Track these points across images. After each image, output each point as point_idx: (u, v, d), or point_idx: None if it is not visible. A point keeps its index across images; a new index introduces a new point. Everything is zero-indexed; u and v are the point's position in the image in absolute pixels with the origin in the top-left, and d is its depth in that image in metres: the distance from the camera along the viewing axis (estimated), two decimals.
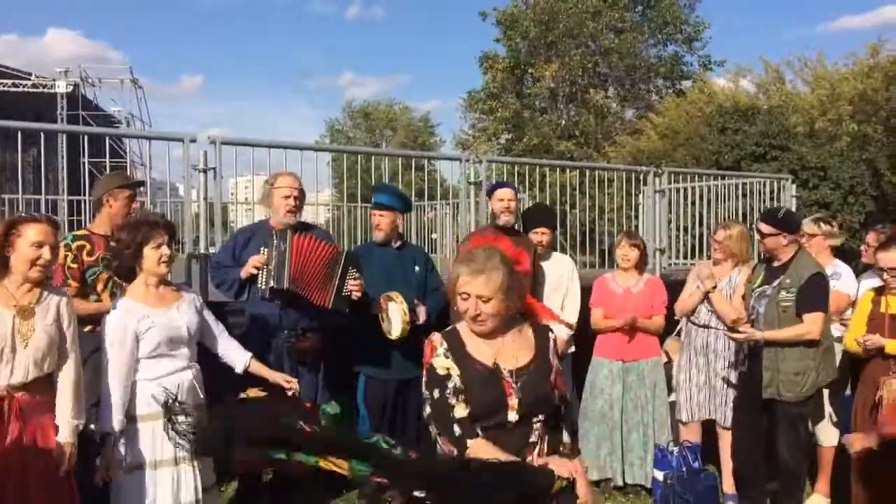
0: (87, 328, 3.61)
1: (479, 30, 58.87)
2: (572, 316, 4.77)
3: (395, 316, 4.12)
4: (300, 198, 4.12)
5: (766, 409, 4.02)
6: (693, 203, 8.18)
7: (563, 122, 26.44)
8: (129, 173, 5.72)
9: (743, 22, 63.10)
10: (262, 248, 3.86)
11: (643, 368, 4.72)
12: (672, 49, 27.22)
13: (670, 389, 4.84)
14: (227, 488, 4.42)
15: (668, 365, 4.93)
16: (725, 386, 4.52)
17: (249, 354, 3.42)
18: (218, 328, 3.41)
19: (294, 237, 3.84)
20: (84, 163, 9.17)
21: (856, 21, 47.93)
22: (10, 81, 23.60)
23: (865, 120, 16.44)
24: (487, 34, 40.70)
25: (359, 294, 3.95)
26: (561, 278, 4.82)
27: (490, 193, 4.93)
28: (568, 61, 25.46)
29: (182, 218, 5.26)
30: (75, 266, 3.65)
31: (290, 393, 3.40)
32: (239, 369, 3.39)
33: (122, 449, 2.99)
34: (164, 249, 3.09)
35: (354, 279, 3.92)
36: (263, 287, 3.82)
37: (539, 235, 4.82)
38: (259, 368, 3.43)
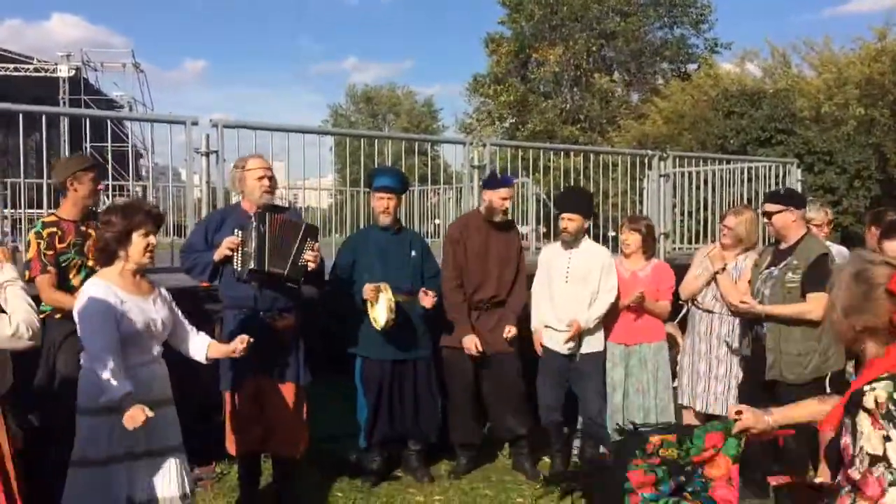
0: (60, 314, 3.63)
1: (484, 14, 58.51)
2: (596, 311, 4.55)
3: (383, 306, 4.16)
4: (273, 178, 4.10)
5: (770, 392, 4.01)
6: (698, 187, 8.14)
7: (568, 106, 26.29)
8: (129, 156, 5.68)
9: (750, 6, 62.47)
10: (235, 231, 3.83)
11: (645, 352, 4.70)
12: (678, 32, 27.02)
13: (675, 375, 4.82)
14: (230, 471, 4.44)
15: (676, 352, 4.90)
16: (728, 372, 4.51)
17: (206, 341, 3.23)
18: (187, 325, 3.25)
19: (272, 218, 3.86)
20: (86, 147, 9.16)
21: (864, 5, 47.37)
22: (11, 66, 23.55)
23: (872, 104, 16.33)
24: (492, 18, 40.43)
25: (314, 265, 3.94)
26: (591, 271, 4.56)
27: (490, 185, 4.75)
28: (573, 45, 25.28)
29: (184, 202, 5.25)
30: (50, 253, 3.62)
31: (242, 346, 3.21)
32: (201, 358, 3.23)
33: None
34: (152, 239, 2.99)
35: (312, 250, 3.92)
36: (240, 269, 3.81)
37: (564, 221, 4.62)
38: (216, 350, 3.24)
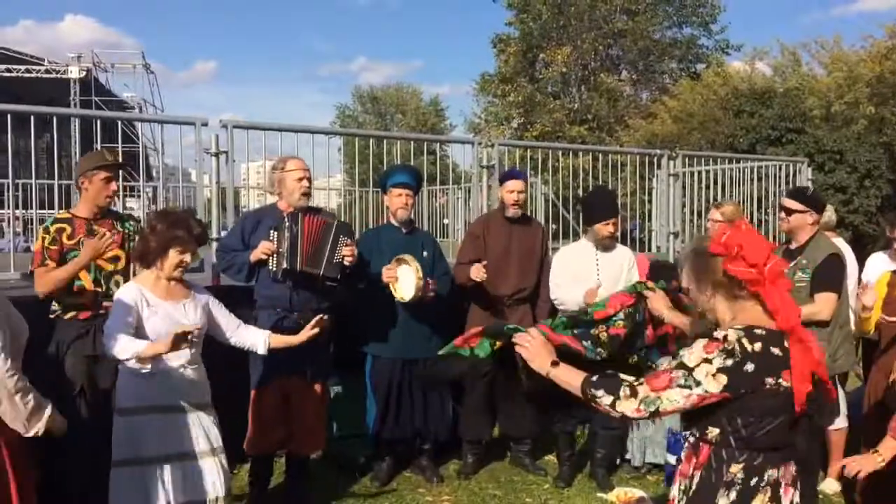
0: (70, 314, 3.66)
1: (494, 14, 58.52)
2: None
3: (409, 278, 4.14)
4: (310, 180, 4.16)
5: None
6: (707, 187, 8.11)
7: (576, 106, 26.23)
8: (139, 156, 5.70)
9: (760, 5, 62.09)
10: (271, 232, 3.87)
11: None
12: (688, 32, 26.90)
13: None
14: (240, 471, 4.45)
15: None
16: None
17: (267, 332, 3.42)
18: (233, 323, 3.37)
19: (305, 219, 3.88)
20: (97, 148, 9.20)
21: (874, 3, 46.95)
22: (23, 67, 23.68)
23: (882, 103, 16.21)
24: (501, 18, 40.35)
25: (351, 259, 3.97)
26: (622, 272, 4.55)
27: (500, 182, 4.89)
28: (580, 44, 25.23)
29: (194, 202, 5.27)
30: (54, 248, 3.65)
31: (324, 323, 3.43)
32: (262, 350, 3.39)
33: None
34: (187, 258, 3.10)
35: (346, 245, 3.95)
36: (275, 269, 3.86)
37: (609, 226, 4.51)
38: (280, 340, 3.42)
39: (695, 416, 2.05)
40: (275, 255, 3.86)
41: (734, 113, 15.92)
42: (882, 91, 16.33)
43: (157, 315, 3.01)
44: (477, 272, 4.40)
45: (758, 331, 1.98)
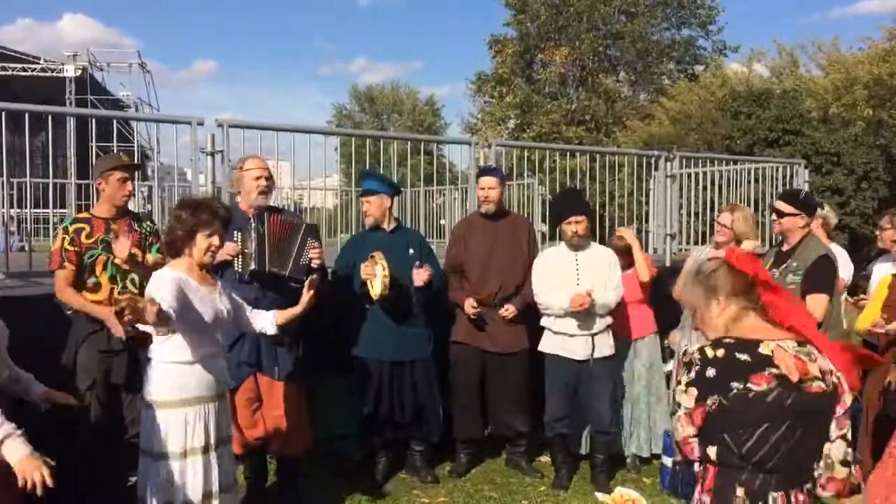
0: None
1: (494, 14, 58.36)
2: (604, 300, 4.42)
3: (378, 274, 4.17)
4: (270, 179, 4.11)
5: None
6: (704, 188, 8.11)
7: (573, 106, 26.21)
8: (136, 156, 5.69)
9: (758, 7, 62.11)
10: (235, 233, 3.84)
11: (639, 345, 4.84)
12: (686, 33, 26.91)
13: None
14: (236, 471, 4.42)
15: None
16: None
17: (273, 312, 3.43)
18: (247, 308, 3.41)
19: (270, 219, 3.90)
20: (92, 147, 9.20)
21: (872, 6, 46.96)
22: (19, 65, 23.63)
23: (880, 105, 16.21)
24: (498, 18, 40.37)
25: (318, 262, 3.98)
26: (600, 274, 4.46)
27: (477, 179, 4.94)
28: (578, 45, 25.23)
29: None
30: (72, 249, 3.69)
31: (312, 290, 3.39)
32: (272, 331, 3.41)
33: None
34: (215, 240, 3.07)
35: (314, 248, 3.96)
36: (241, 270, 3.86)
37: (572, 225, 4.42)
38: (284, 315, 3.42)
39: (698, 439, 2.05)
40: (240, 256, 3.86)
41: (731, 114, 15.91)
42: (880, 93, 16.33)
43: (203, 302, 3.03)
44: (469, 307, 4.57)
45: (727, 340, 2.01)
